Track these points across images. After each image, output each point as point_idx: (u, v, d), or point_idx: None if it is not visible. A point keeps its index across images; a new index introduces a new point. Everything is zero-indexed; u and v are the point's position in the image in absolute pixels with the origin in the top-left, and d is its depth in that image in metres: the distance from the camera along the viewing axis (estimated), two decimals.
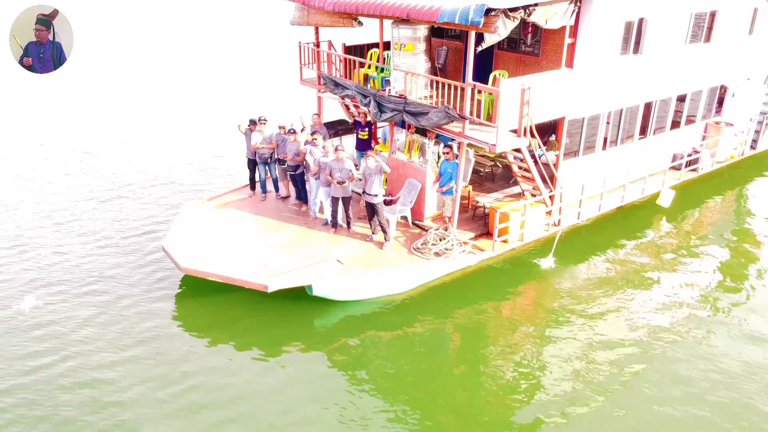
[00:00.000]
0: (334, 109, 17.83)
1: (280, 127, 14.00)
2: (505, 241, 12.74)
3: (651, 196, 15.17)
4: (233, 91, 28.53)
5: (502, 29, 10.89)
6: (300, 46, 15.99)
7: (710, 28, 15.21)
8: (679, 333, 10.76)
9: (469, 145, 12.78)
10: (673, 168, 16.02)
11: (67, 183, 17.74)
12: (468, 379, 9.79)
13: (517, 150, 12.22)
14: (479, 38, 11.25)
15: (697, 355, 10.22)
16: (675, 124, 16.04)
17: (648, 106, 14.93)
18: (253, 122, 14.09)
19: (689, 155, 16.33)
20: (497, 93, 11.24)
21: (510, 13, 10.88)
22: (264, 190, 14.73)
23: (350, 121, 16.78)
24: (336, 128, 16.63)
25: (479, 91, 11.72)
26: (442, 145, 13.21)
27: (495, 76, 12.64)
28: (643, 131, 15.20)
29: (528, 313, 11.50)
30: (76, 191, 17.08)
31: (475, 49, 11.33)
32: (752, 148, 18.34)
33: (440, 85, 12.35)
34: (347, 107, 16.59)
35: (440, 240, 12.33)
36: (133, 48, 40.43)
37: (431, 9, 11.26)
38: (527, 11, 11.11)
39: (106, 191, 17.06)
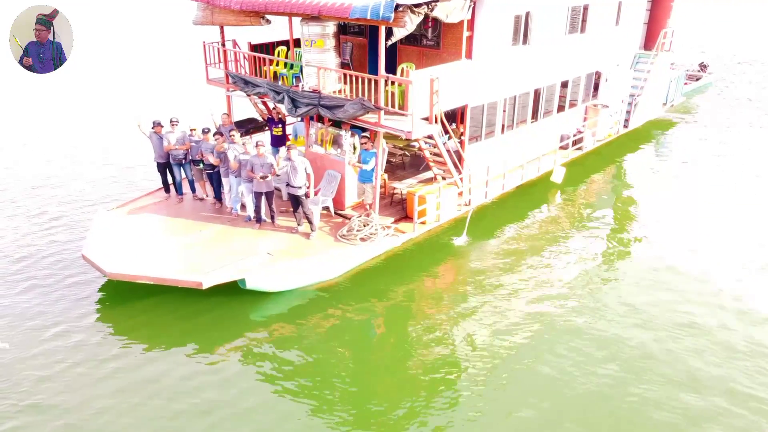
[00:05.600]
0: (245, 108, 17.87)
1: (191, 129, 13.85)
2: (423, 223, 13.57)
3: (545, 174, 16.71)
4: (140, 93, 27.59)
5: (410, 24, 11.66)
6: (205, 46, 15.91)
7: (584, 20, 17.00)
8: (582, 294, 12.10)
9: (384, 135, 13.47)
10: (561, 147, 17.72)
11: None
12: (401, 357, 10.35)
13: (429, 136, 13.07)
14: (389, 33, 11.93)
15: (600, 315, 11.43)
16: (560, 108, 17.73)
17: (537, 92, 16.41)
18: (158, 124, 13.81)
19: (574, 135, 18.12)
20: (408, 83, 12.01)
21: (415, 9, 11.68)
22: (180, 192, 14.54)
23: (261, 119, 16.91)
24: (247, 126, 16.73)
25: (391, 83, 12.44)
26: (357, 136, 13.79)
27: (403, 68, 13.40)
28: (535, 115, 16.69)
29: (449, 288, 12.39)
30: None
31: (386, 44, 12.01)
32: (625, 126, 20.60)
33: (352, 79, 12.92)
34: (257, 105, 16.71)
35: (364, 226, 12.93)
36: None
37: (342, 6, 11.79)
38: (430, 7, 11.96)
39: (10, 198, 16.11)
